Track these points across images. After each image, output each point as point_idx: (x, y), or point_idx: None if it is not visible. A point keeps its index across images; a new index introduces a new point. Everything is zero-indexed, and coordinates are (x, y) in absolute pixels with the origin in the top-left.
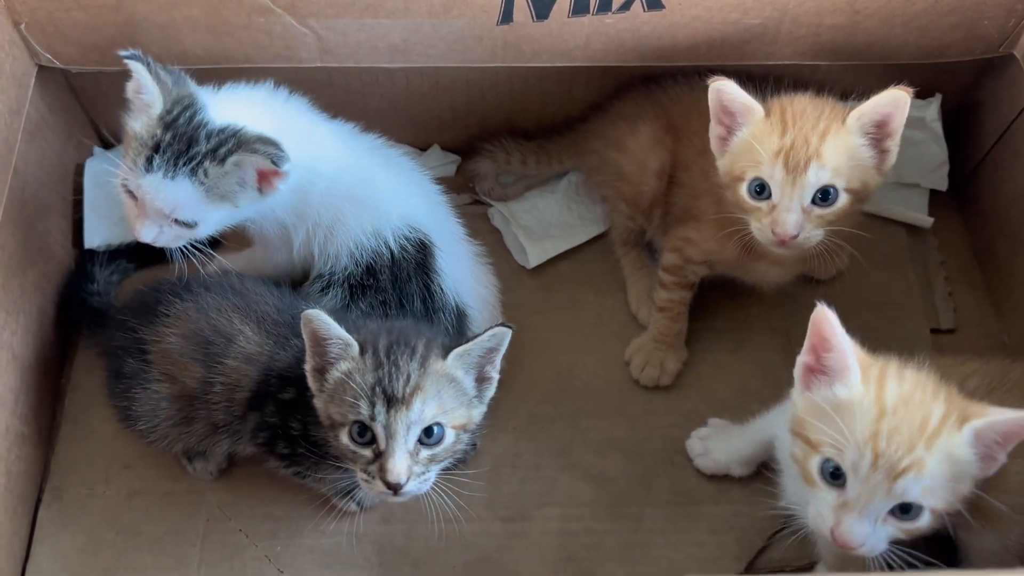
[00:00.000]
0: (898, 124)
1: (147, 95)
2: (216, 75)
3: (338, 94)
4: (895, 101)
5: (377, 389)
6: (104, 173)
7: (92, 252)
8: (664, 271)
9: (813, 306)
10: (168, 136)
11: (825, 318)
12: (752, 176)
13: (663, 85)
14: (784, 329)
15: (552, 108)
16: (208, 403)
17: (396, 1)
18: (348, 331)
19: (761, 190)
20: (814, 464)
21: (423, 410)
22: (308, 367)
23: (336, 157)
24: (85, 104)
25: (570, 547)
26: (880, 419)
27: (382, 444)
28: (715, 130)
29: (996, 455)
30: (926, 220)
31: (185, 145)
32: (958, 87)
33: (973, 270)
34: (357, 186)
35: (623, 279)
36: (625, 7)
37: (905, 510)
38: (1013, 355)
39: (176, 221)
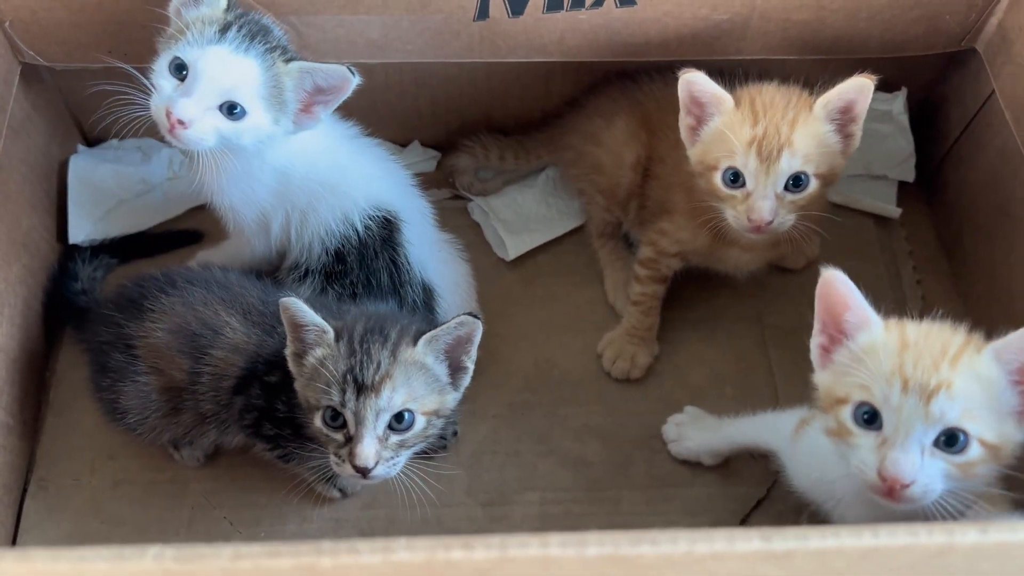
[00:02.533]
0: (862, 109)
1: None
2: None
3: None
4: (859, 87)
5: (348, 377)
6: (88, 169)
7: (76, 248)
8: (639, 265)
9: (785, 295)
10: (243, 20)
11: (837, 279)
12: (726, 165)
13: (637, 80)
14: (756, 317)
15: (530, 104)
16: (196, 394)
17: None
18: (329, 317)
19: (735, 179)
20: (846, 415)
21: (392, 397)
22: (288, 352)
23: (315, 142)
24: (69, 102)
25: (550, 530)
26: (903, 351)
27: (352, 429)
28: (685, 120)
29: None
30: (894, 211)
31: (261, 30)
32: (923, 81)
33: (940, 259)
34: (330, 171)
35: (600, 271)
36: (598, 3)
37: (951, 442)
38: None
39: (220, 109)
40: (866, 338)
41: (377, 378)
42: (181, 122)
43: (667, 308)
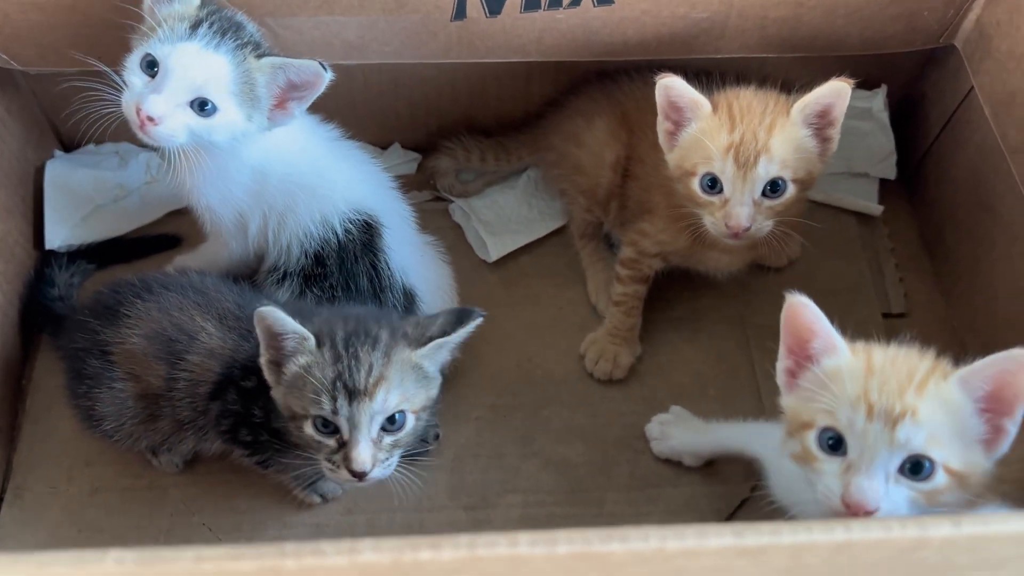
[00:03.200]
0: (839, 113)
1: None
2: None
3: None
4: (836, 91)
5: (338, 383)
6: (65, 174)
7: (52, 254)
8: (620, 265)
9: (767, 294)
10: (215, 17)
11: (803, 305)
12: (703, 171)
13: (617, 80)
14: (739, 318)
15: (509, 104)
16: (172, 400)
17: None
18: (304, 322)
19: (713, 185)
20: (811, 439)
21: (387, 400)
22: (263, 360)
23: (293, 143)
24: (44, 106)
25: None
26: (869, 377)
27: (346, 435)
28: (663, 125)
29: (1002, 424)
30: (876, 208)
31: (233, 26)
32: (903, 78)
33: (922, 256)
34: (309, 173)
35: (582, 271)
36: (575, 2)
37: (917, 469)
38: (961, 337)
39: (191, 105)
40: (832, 363)
41: (371, 381)
42: (151, 119)
43: (649, 308)
